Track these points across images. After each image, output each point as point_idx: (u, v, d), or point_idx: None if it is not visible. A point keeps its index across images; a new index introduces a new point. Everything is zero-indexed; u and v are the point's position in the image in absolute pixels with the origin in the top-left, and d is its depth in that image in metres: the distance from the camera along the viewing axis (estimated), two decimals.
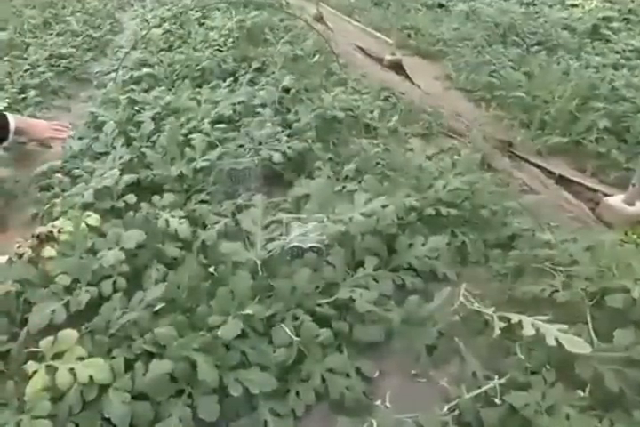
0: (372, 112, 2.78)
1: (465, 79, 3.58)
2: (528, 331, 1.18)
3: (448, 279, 1.67)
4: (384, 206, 1.64)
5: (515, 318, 1.25)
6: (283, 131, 2.30)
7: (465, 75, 3.62)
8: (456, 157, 2.23)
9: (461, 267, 1.76)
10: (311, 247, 1.57)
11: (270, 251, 1.52)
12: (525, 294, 1.53)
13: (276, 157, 2.09)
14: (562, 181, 2.47)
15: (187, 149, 2.08)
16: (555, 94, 2.99)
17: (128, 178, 1.89)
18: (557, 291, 1.47)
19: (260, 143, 2.19)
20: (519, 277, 1.64)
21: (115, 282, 1.47)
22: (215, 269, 1.51)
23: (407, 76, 3.82)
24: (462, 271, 1.74)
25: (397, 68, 3.96)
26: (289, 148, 2.16)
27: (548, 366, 1.27)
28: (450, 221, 1.84)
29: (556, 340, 1.14)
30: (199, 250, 1.67)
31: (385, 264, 1.63)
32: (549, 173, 2.52)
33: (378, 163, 2.19)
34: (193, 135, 2.14)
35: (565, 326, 1.18)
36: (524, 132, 2.84)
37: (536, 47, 4.03)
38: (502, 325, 1.26)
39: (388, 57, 4.04)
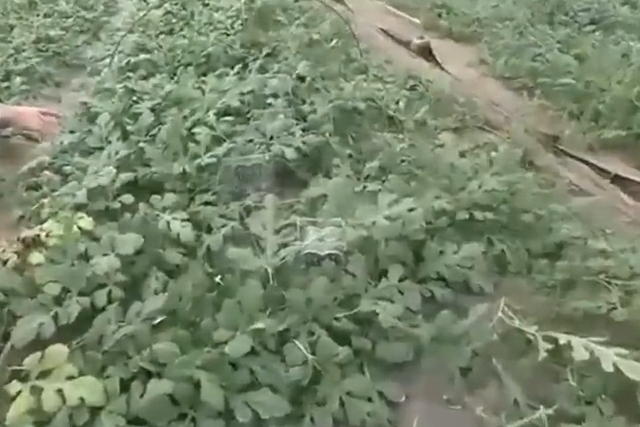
0: (397, 103, 2.80)
1: (504, 65, 3.56)
2: (580, 354, 1.17)
3: (484, 292, 1.68)
4: (411, 209, 1.66)
5: (563, 338, 1.24)
6: (297, 124, 2.32)
7: (504, 59, 3.59)
8: (493, 153, 2.22)
9: (500, 278, 1.75)
10: (328, 254, 1.58)
11: (283, 258, 1.54)
12: (576, 311, 1.52)
13: (290, 152, 2.12)
14: (618, 180, 2.43)
15: (190, 144, 2.11)
16: (612, 80, 2.95)
17: (125, 176, 1.92)
18: (615, 308, 1.46)
19: (272, 138, 2.21)
20: (569, 292, 1.63)
21: (109, 292, 1.50)
22: (221, 278, 1.53)
23: (437, 62, 3.81)
24: (501, 283, 1.73)
25: (426, 52, 3.96)
26: (304, 143, 2.18)
27: (604, 396, 1.25)
28: (486, 227, 1.84)
29: (614, 365, 1.12)
30: (204, 256, 1.69)
31: (412, 274, 1.64)
32: (603, 172, 2.48)
33: (403, 160, 2.20)
34: (197, 129, 2.18)
35: (625, 350, 1.17)
36: (573, 125, 2.81)
37: (589, 26, 3.96)
38: (548, 346, 1.25)
39: (415, 40, 4.04)
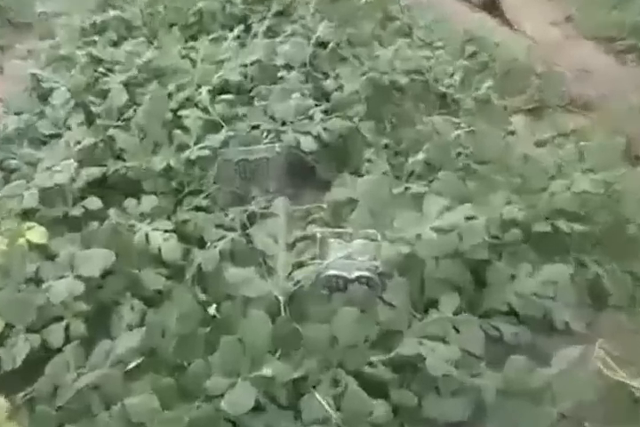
0: (451, 76, 2.80)
1: (600, 21, 3.53)
2: None
3: (572, 331, 1.67)
4: (469, 218, 1.67)
5: None
6: (317, 104, 2.35)
7: (599, 14, 3.56)
8: (584, 143, 2.21)
9: (594, 313, 1.75)
10: (359, 278, 1.60)
11: (298, 282, 1.57)
12: None
13: (307, 142, 2.16)
14: None
15: (176, 132, 2.15)
16: None
17: (89, 173, 1.98)
18: None
19: (284, 123, 2.25)
20: None
21: (67, 327, 1.54)
22: (217, 308, 1.56)
23: (506, 20, 3.82)
24: (596, 320, 1.73)
25: (491, 6, 3.97)
26: (325, 129, 2.22)
27: None
28: (574, 243, 1.84)
29: None
30: (194, 279, 1.72)
31: (471, 305, 1.65)
32: None
33: (460, 152, 2.21)
34: (185, 111, 2.23)
35: None
36: None
37: None
38: None
39: None
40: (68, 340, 1.51)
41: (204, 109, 2.26)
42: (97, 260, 1.62)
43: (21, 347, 1.48)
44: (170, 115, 2.26)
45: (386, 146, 2.28)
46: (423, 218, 1.69)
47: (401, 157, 2.22)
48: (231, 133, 2.16)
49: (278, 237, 1.71)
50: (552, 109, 2.82)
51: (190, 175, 2.09)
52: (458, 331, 1.56)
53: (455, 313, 1.59)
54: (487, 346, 1.56)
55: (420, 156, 2.12)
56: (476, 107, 2.66)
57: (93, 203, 1.91)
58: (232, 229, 1.88)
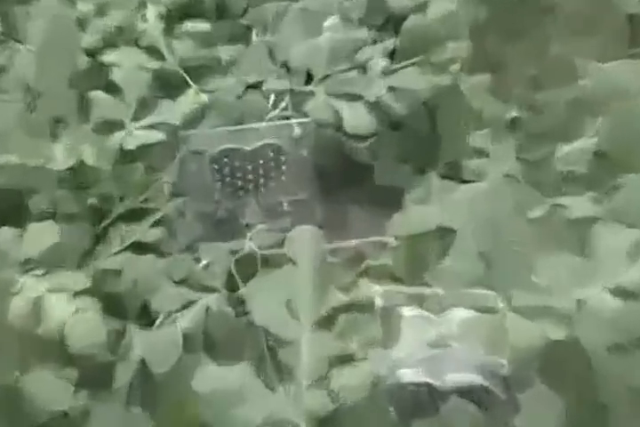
0: None
1: None
2: None
3: None
4: None
5: None
6: (375, 40, 2.33)
7: None
8: None
9: None
10: (461, 388, 1.59)
11: (338, 395, 1.54)
12: None
13: (356, 117, 2.14)
14: None
15: (97, 95, 2.15)
16: None
17: None
18: None
19: (310, 77, 2.24)
20: None
21: None
22: None
23: None
24: None
25: None
26: (393, 90, 2.19)
27: None
28: None
29: None
30: (131, 390, 1.70)
31: None
32: None
33: None
34: (115, 53, 2.22)
35: None
36: None
37: None
38: None
39: None
40: None
41: (152, 50, 2.25)
42: None
43: None
44: (84, 61, 2.24)
45: (514, 122, 2.23)
46: (590, 267, 1.66)
47: (544, 143, 2.16)
48: (205, 99, 2.15)
49: (299, 303, 1.66)
50: None
51: (124, 181, 2.07)
52: None
53: None
54: None
55: (585, 142, 2.08)
56: None
57: None
58: (207, 289, 1.85)
